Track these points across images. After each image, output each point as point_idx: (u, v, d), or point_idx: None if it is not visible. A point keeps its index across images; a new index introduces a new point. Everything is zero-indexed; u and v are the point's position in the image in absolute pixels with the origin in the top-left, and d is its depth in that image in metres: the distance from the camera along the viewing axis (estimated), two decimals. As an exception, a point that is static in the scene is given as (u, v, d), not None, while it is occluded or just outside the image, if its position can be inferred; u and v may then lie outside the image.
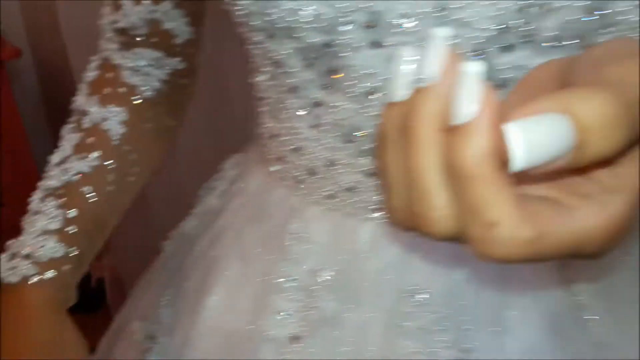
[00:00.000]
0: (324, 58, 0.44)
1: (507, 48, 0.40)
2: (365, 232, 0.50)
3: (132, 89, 0.60)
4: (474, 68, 0.23)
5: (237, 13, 0.46)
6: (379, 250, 0.49)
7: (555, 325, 0.47)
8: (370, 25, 0.41)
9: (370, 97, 0.44)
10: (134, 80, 0.59)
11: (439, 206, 0.24)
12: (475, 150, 0.23)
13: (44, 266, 0.50)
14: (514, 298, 0.47)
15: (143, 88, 0.60)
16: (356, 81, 0.44)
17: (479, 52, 0.40)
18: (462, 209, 0.24)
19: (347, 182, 0.49)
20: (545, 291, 0.48)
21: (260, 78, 0.51)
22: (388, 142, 0.26)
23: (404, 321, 0.47)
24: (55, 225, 0.52)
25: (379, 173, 0.27)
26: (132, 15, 0.56)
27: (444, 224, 0.24)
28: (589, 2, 0.38)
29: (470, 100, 0.23)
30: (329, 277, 0.50)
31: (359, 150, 0.47)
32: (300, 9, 0.41)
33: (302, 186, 0.52)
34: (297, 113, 0.48)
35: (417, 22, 0.39)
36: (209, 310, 0.53)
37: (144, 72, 0.60)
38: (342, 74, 0.44)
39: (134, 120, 0.59)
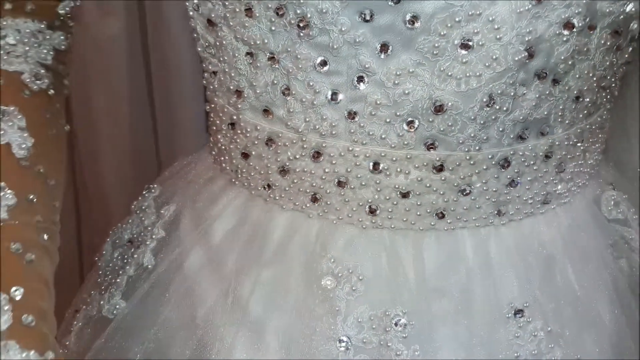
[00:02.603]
0: None
1: None
2: (431, 250, 0.43)
3: (14, 79, 0.42)
4: None
5: None
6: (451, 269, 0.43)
7: None
8: None
9: None
10: (13, 64, 0.42)
11: None
12: None
13: None
14: None
15: (28, 76, 0.43)
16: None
17: None
18: None
19: (398, 184, 0.42)
20: None
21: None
22: None
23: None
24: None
25: None
26: None
27: None
28: None
29: None
30: (402, 325, 0.42)
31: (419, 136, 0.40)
32: None
33: (322, 203, 0.43)
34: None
35: None
36: None
37: (20, 52, 0.42)
38: None
39: (36, 126, 0.42)
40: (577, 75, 0.42)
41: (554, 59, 0.40)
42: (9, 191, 0.39)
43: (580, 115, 0.45)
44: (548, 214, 0.46)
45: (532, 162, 0.43)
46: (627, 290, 0.48)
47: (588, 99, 0.44)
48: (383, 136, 0.41)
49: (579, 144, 0.46)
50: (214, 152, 0.50)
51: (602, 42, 0.41)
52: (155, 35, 0.87)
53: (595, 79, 0.43)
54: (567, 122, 0.44)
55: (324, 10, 0.37)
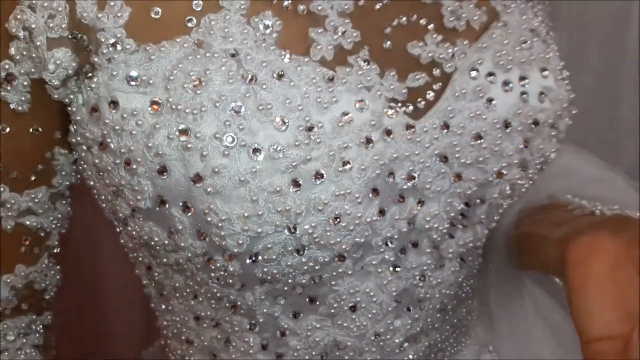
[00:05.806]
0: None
1: None
2: None
3: None
4: None
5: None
6: None
7: None
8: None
9: None
10: None
11: None
12: None
13: None
14: None
15: None
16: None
17: None
18: None
19: None
20: None
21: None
22: None
23: None
24: None
25: None
26: None
27: None
28: None
29: None
30: None
31: None
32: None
33: None
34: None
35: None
36: None
37: (18, 345, 0.52)
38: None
39: None
40: (440, 300, 0.57)
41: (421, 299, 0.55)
42: None
43: (446, 317, 0.60)
44: None
45: None
46: None
47: (455, 310, 0.59)
48: None
49: (452, 335, 0.61)
50: None
51: (453, 269, 0.56)
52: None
53: (456, 296, 0.58)
54: (436, 325, 0.59)
55: (249, 303, 0.51)
